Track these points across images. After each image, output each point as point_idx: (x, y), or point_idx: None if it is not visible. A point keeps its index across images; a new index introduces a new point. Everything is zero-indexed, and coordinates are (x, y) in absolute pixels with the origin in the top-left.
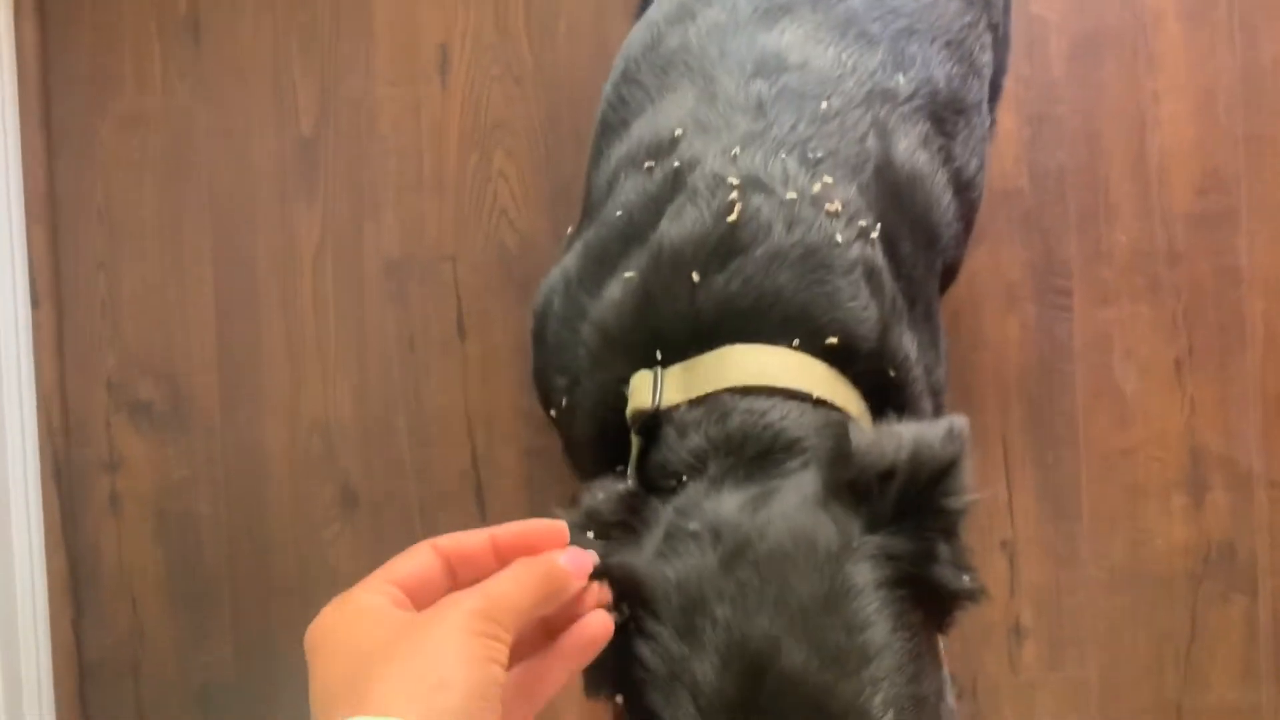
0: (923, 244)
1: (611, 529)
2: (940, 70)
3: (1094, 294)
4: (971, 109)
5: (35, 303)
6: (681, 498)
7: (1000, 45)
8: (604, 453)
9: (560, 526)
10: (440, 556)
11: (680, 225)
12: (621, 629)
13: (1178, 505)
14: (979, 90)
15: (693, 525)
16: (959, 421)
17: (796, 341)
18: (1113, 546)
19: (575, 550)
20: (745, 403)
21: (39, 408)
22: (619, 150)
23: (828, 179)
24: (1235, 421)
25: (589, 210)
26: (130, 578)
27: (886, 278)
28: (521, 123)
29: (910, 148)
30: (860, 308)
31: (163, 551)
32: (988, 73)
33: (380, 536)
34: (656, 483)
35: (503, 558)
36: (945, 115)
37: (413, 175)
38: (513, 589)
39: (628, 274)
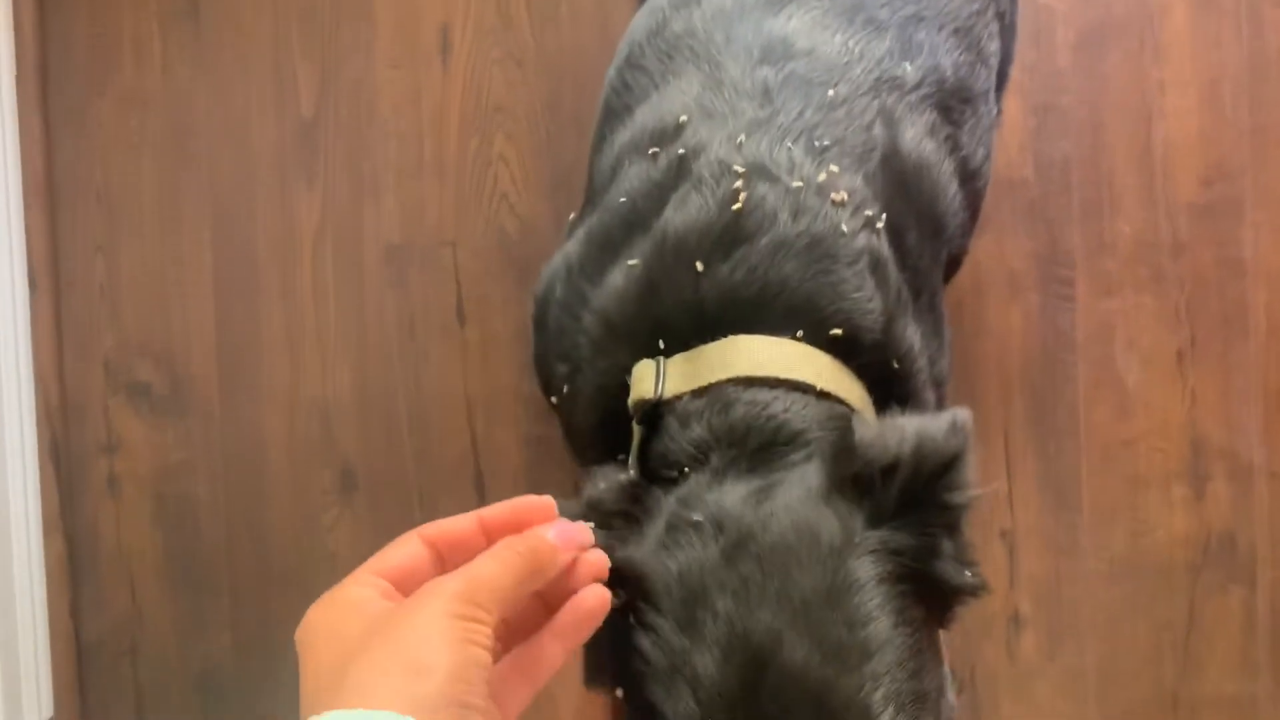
0: (928, 234)
1: (613, 518)
2: (948, 58)
3: (1097, 284)
4: (979, 98)
5: (33, 285)
6: (684, 488)
7: (1007, 34)
8: (604, 440)
9: (547, 501)
10: (428, 544)
11: (684, 213)
12: (622, 621)
13: (1178, 496)
14: (986, 79)
15: (695, 516)
16: (962, 414)
17: (800, 332)
18: (1113, 537)
19: (563, 523)
20: (748, 394)
21: (37, 390)
22: (623, 136)
23: (834, 167)
24: (1237, 413)
25: (592, 196)
26: (128, 561)
27: (892, 268)
28: (523, 106)
29: (917, 136)
30: (865, 299)
31: (161, 534)
32: (995, 61)
33: (379, 521)
34: (658, 472)
35: (492, 539)
36: (952, 104)
37: (413, 159)
38: (495, 569)
39: (631, 262)
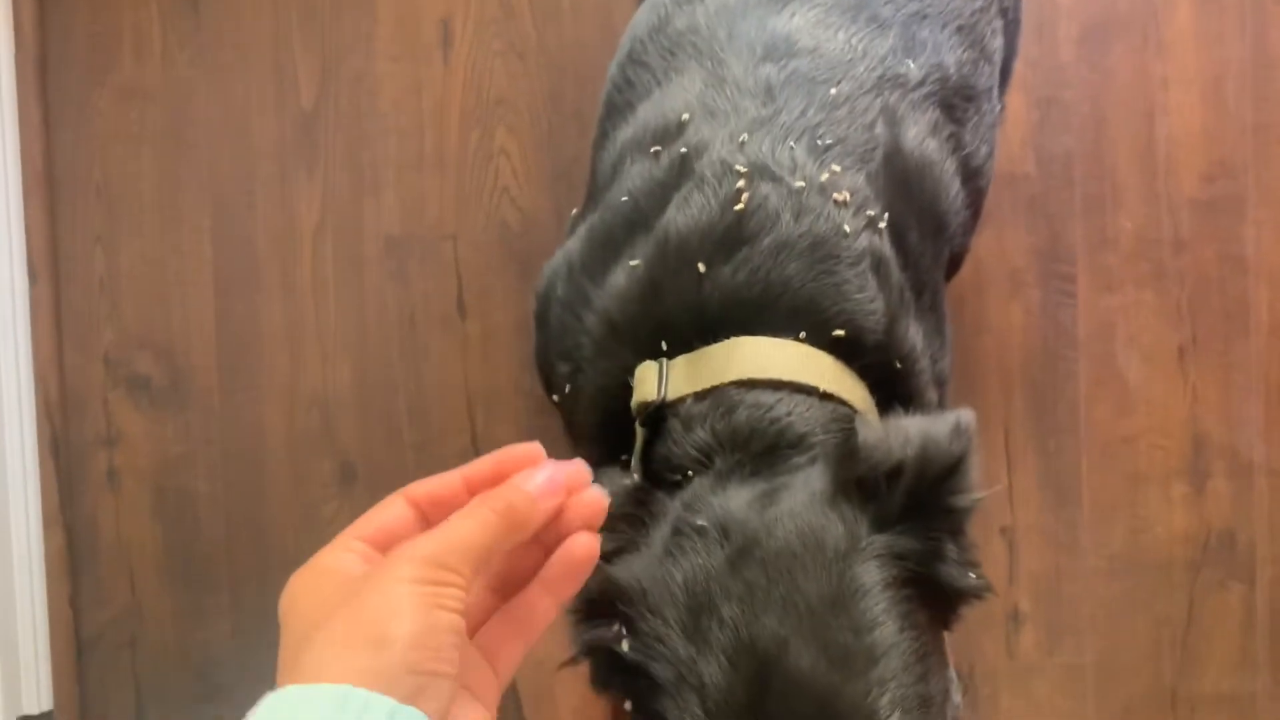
0: (930, 233)
1: (618, 522)
2: (951, 56)
3: (1098, 281)
4: (982, 95)
5: (33, 278)
6: (688, 492)
7: (1011, 29)
8: (606, 440)
9: (533, 448)
10: (412, 504)
11: (687, 214)
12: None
13: (1178, 493)
14: (989, 76)
15: (700, 521)
16: (966, 416)
17: (803, 334)
18: (1113, 534)
19: (549, 468)
20: (751, 396)
21: (36, 383)
22: (625, 133)
23: (836, 167)
24: (1238, 410)
25: (593, 193)
26: (128, 553)
27: (894, 268)
28: (524, 99)
29: (919, 135)
30: (868, 300)
31: (161, 527)
32: (998, 58)
33: None
34: (661, 475)
35: (476, 494)
36: (955, 102)
37: (413, 152)
38: (466, 529)
39: (633, 262)
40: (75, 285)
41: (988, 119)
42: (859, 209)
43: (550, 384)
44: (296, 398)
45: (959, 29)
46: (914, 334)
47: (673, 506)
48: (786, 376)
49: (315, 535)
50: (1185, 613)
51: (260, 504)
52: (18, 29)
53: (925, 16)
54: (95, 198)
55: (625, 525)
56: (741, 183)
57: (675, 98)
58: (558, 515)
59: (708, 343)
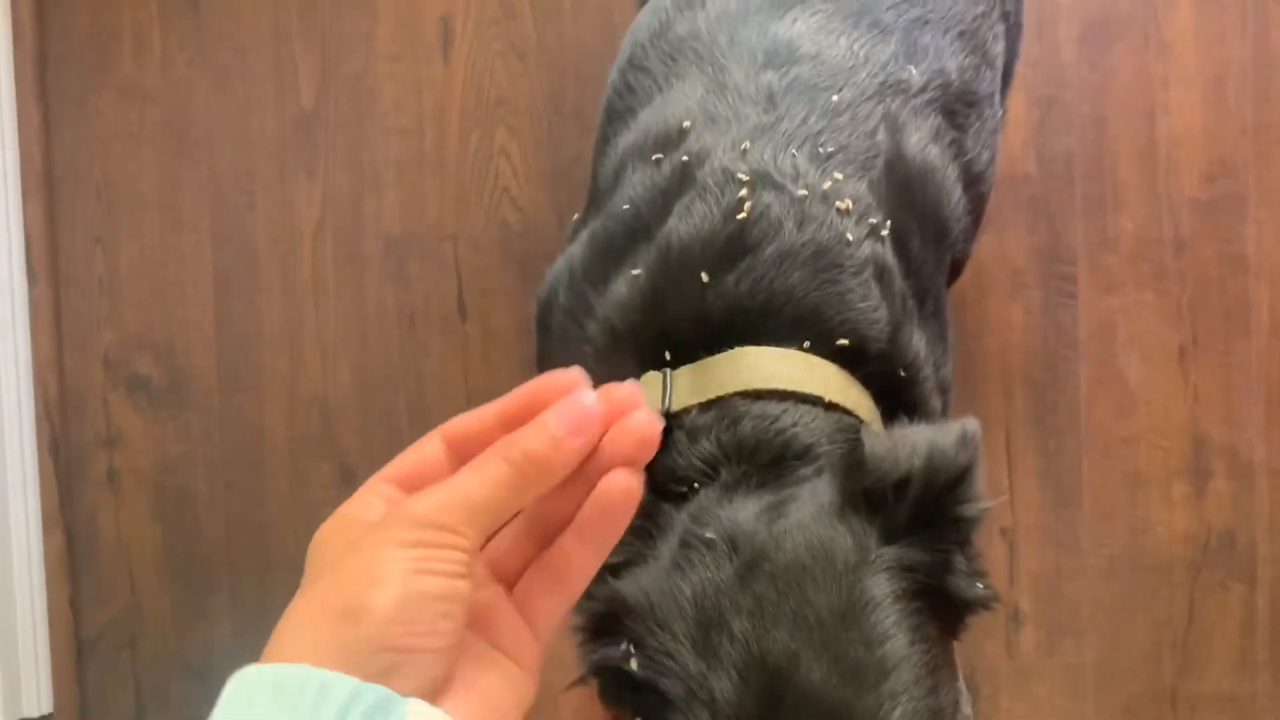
0: (932, 240)
1: (626, 534)
2: (953, 62)
3: (1099, 281)
4: (983, 101)
5: (32, 278)
6: (695, 504)
7: (1013, 33)
8: None
9: (572, 375)
10: (446, 443)
11: (689, 223)
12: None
13: (1179, 494)
14: (991, 81)
15: (708, 534)
16: (971, 425)
17: (807, 343)
18: (1113, 534)
19: (586, 396)
20: (756, 407)
21: (36, 384)
22: (626, 139)
23: (838, 175)
24: (1238, 410)
25: (595, 199)
26: (128, 554)
27: (897, 276)
28: (524, 100)
29: (921, 142)
30: (871, 309)
31: (160, 528)
32: (1000, 63)
33: None
34: (666, 486)
35: (513, 429)
36: (957, 108)
37: (414, 152)
38: (472, 484)
39: (635, 271)
40: (75, 286)
41: (989, 124)
42: (861, 217)
43: None
44: (296, 398)
45: (961, 34)
46: (917, 342)
47: (679, 519)
48: (791, 387)
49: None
50: (1185, 613)
51: (260, 504)
52: (17, 29)
53: (927, 22)
54: (95, 198)
55: (632, 537)
56: (744, 191)
57: (676, 104)
58: (598, 447)
59: (711, 352)
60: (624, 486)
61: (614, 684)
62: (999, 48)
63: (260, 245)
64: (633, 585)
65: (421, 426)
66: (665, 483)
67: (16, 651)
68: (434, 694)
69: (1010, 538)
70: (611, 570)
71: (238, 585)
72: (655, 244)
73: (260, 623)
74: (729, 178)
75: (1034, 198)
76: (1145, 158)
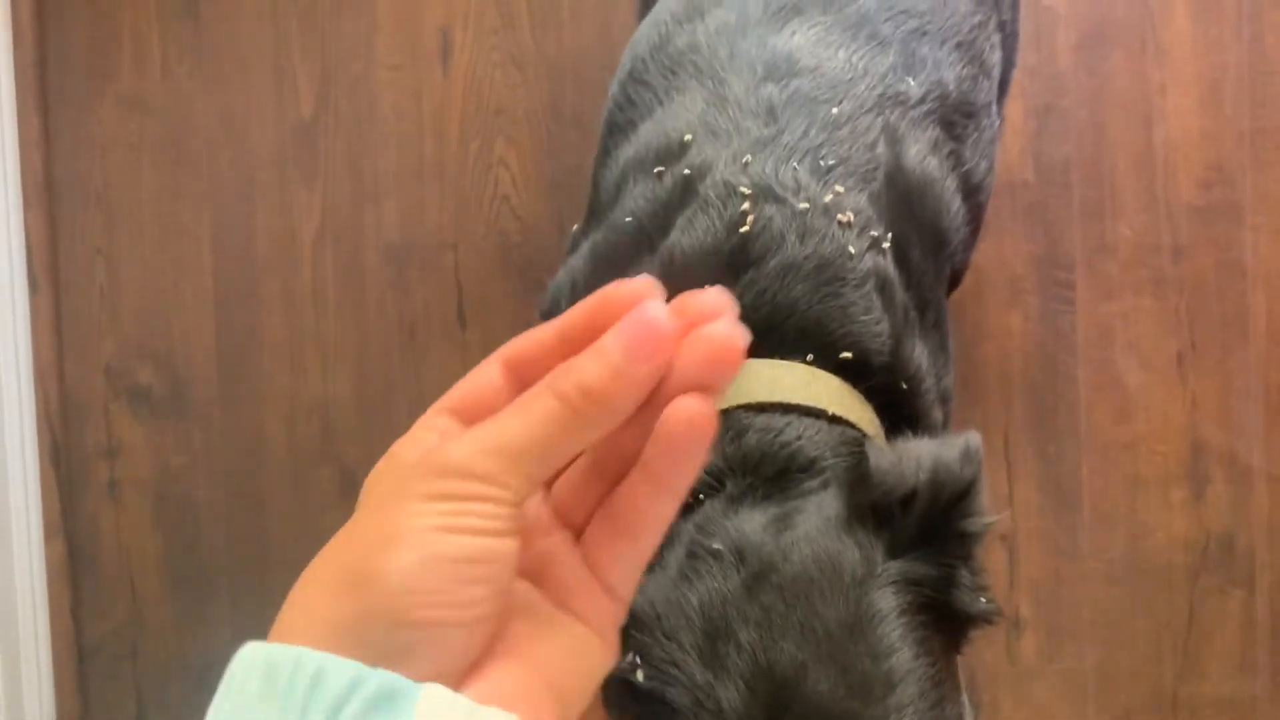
0: (932, 250)
1: None
2: (951, 73)
3: (1097, 287)
4: (981, 111)
5: (33, 288)
6: (700, 515)
7: (1009, 41)
8: None
9: (641, 284)
10: (504, 368)
11: (692, 236)
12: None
13: (1178, 498)
14: (988, 91)
15: (715, 545)
16: (974, 440)
17: (810, 356)
18: (1112, 539)
19: (658, 309)
20: (761, 420)
21: (37, 393)
22: (627, 152)
23: (839, 188)
24: (1237, 415)
25: (596, 211)
26: (129, 563)
27: (898, 288)
28: (523, 109)
29: (920, 153)
30: (873, 321)
31: (161, 537)
32: (997, 73)
33: None
34: None
35: (575, 351)
36: (955, 119)
37: (413, 161)
38: (513, 427)
39: None
40: (76, 295)
41: (987, 134)
42: (863, 230)
43: None
44: (297, 407)
45: (958, 45)
46: (919, 354)
47: (685, 529)
48: (795, 399)
49: (316, 544)
50: (1185, 617)
51: (261, 513)
52: (17, 38)
53: (925, 33)
54: (95, 207)
55: None
56: (746, 205)
57: (677, 117)
58: (663, 376)
59: None
60: (688, 417)
61: (619, 695)
62: (996, 57)
63: (260, 254)
64: (639, 595)
65: None
66: None
67: (18, 660)
68: (465, 673)
69: (1010, 543)
70: None
71: (238, 593)
72: (658, 257)
73: (261, 630)
74: (731, 191)
75: (1032, 204)
76: (1143, 164)
